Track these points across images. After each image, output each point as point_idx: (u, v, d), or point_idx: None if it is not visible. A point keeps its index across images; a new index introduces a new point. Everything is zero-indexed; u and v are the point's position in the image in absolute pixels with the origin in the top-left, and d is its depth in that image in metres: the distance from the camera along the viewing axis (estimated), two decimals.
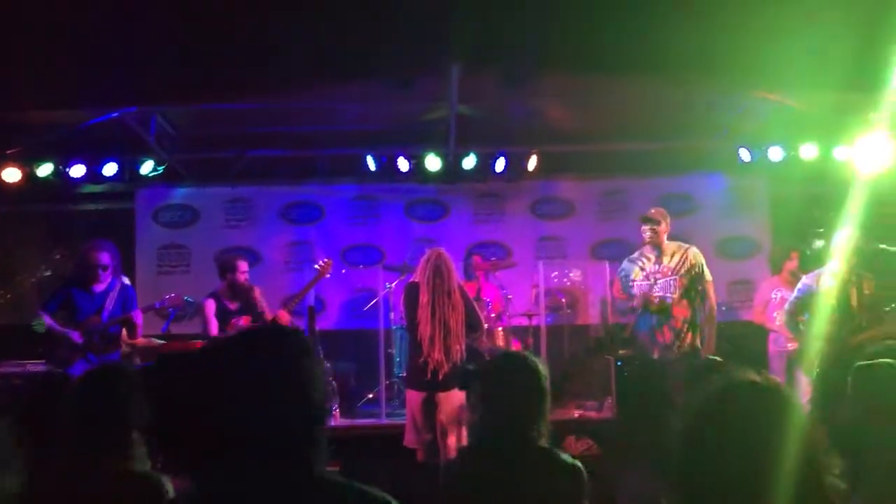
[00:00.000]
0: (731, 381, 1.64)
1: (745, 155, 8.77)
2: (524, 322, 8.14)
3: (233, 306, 6.56)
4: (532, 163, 8.88)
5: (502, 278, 8.31)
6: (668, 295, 6.16)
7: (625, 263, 6.63)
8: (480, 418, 2.82)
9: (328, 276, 7.03)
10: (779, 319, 7.14)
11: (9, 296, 9.26)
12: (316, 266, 6.95)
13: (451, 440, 5.29)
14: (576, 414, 7.38)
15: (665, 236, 6.32)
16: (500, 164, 8.87)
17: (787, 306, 6.31)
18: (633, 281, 6.40)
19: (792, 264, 7.31)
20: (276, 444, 1.48)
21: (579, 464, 2.72)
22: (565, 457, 2.72)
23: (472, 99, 7.72)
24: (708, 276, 6.20)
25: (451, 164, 8.86)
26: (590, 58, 6.37)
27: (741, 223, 9.41)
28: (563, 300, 8.29)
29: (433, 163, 8.71)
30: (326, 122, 8.66)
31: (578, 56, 6.43)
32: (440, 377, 5.27)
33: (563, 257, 9.32)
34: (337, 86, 7.32)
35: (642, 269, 6.36)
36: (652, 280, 6.27)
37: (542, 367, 2.85)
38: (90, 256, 6.02)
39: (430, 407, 5.40)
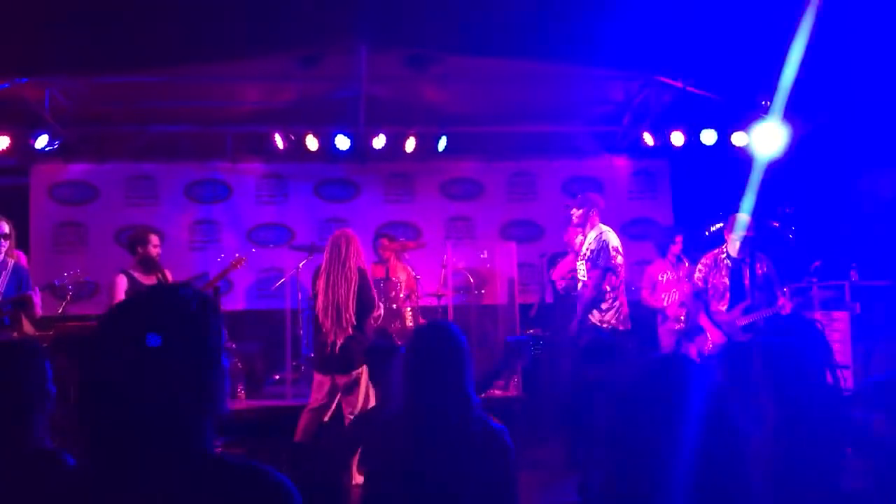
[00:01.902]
0: (652, 358, 1.83)
1: (648, 139, 8.99)
2: (433, 302, 8.18)
3: (146, 281, 6.34)
4: (442, 144, 8.91)
5: (412, 259, 8.32)
6: (582, 279, 6.31)
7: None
8: (407, 388, 2.81)
9: (238, 269, 7.05)
10: (668, 300, 7.43)
11: None
12: (232, 260, 7.00)
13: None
14: (482, 393, 7.45)
15: (591, 220, 6.39)
16: (409, 145, 8.85)
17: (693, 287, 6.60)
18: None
19: (676, 248, 7.59)
20: (157, 420, 1.43)
21: (505, 428, 2.75)
22: (494, 423, 2.75)
23: (380, 78, 7.68)
24: (603, 262, 6.14)
25: (362, 144, 8.80)
26: (491, 40, 6.42)
27: (644, 206, 9.67)
28: (472, 280, 8.36)
29: (343, 142, 8.63)
30: (233, 98, 8.49)
31: (477, 39, 6.48)
32: (337, 351, 5.35)
33: (472, 238, 9.41)
34: (243, 61, 7.17)
35: (577, 251, 6.52)
36: (578, 261, 6.44)
37: (460, 334, 2.88)
38: None
39: (332, 390, 5.49)
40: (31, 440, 2.39)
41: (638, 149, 9.26)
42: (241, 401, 7.20)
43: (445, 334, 2.85)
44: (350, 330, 5.39)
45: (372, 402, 5.38)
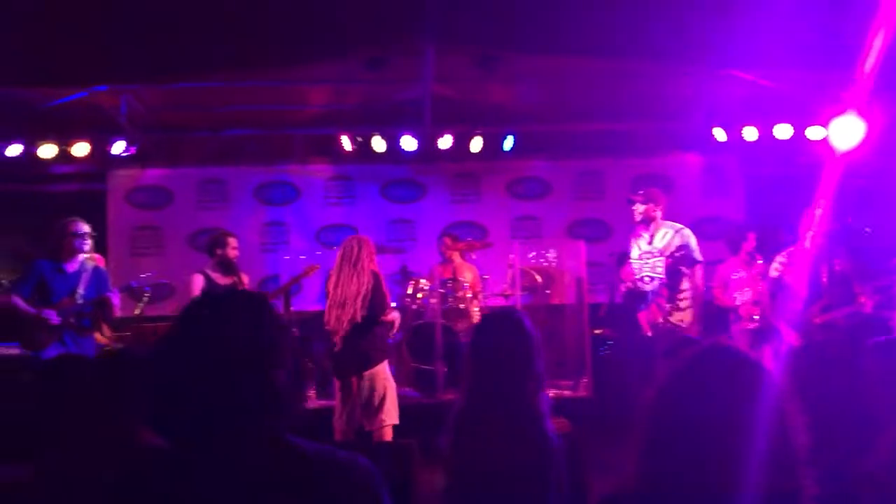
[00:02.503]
0: (704, 348, 1.68)
1: (719, 135, 8.79)
2: (501, 302, 8.14)
3: (223, 282, 6.45)
4: (508, 143, 8.87)
5: (479, 259, 8.30)
6: (656, 276, 6.17)
7: (631, 240, 6.66)
8: (468, 377, 2.79)
9: (311, 277, 7.13)
10: (740, 299, 7.24)
11: None
12: (304, 266, 7.08)
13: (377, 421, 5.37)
14: (550, 393, 7.37)
15: (657, 216, 6.29)
16: (476, 145, 8.84)
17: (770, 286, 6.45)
18: (630, 259, 6.42)
19: (749, 245, 7.37)
20: (240, 408, 1.45)
21: (557, 439, 2.70)
22: (550, 424, 2.70)
23: (447, 79, 7.68)
24: (697, 256, 6.17)
25: (428, 144, 8.81)
26: (561, 38, 6.35)
27: (715, 204, 9.46)
28: (539, 280, 8.29)
29: (409, 143, 8.67)
30: (300, 102, 8.60)
31: (548, 37, 6.41)
32: (340, 350, 5.33)
33: (538, 237, 9.34)
34: (310, 64, 7.25)
35: (639, 247, 6.38)
36: (644, 260, 6.30)
37: (530, 324, 2.81)
38: (69, 227, 5.89)
39: (347, 390, 5.47)
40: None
41: (709, 145, 9.07)
42: (312, 400, 7.27)
43: (511, 324, 2.80)
44: (351, 328, 5.32)
45: (388, 408, 5.36)
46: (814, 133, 8.41)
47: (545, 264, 8.83)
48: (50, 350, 5.72)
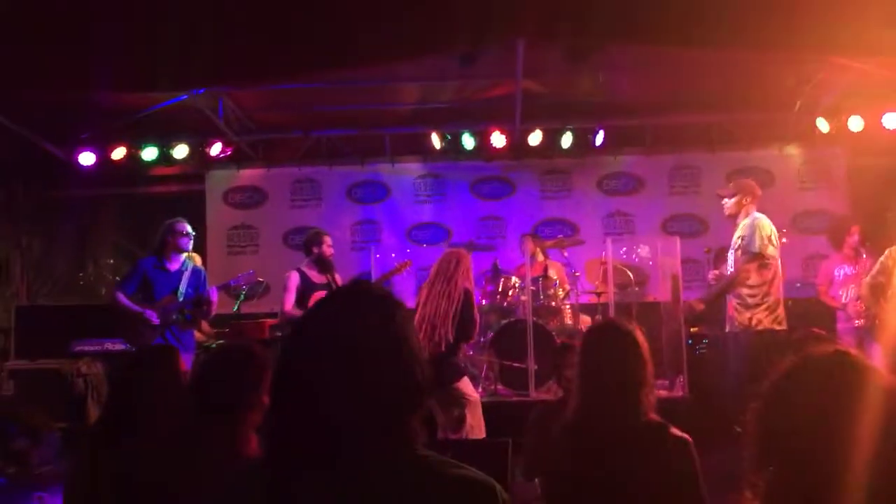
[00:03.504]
0: (816, 349, 1.60)
1: (822, 126, 8.43)
2: (593, 300, 8.02)
3: (318, 280, 6.56)
4: (599, 138, 8.73)
5: (570, 256, 8.20)
6: (733, 269, 5.92)
7: None
8: (579, 392, 2.74)
9: (403, 274, 7.11)
10: (846, 296, 6.91)
11: (91, 278, 9.57)
12: (396, 263, 7.08)
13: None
14: None
15: (744, 209, 5.94)
16: (566, 140, 8.73)
17: (868, 279, 6.10)
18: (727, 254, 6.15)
19: (853, 239, 7.03)
20: (370, 418, 1.37)
21: (688, 437, 2.61)
22: (674, 430, 2.61)
23: (537, 74, 7.61)
24: (755, 247, 5.63)
25: (517, 141, 8.75)
26: (658, 28, 6.18)
27: (818, 197, 9.08)
28: (632, 277, 8.13)
29: (498, 140, 8.63)
30: (391, 101, 8.66)
31: (646, 26, 6.25)
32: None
33: (631, 233, 9.16)
34: (401, 63, 7.28)
35: (733, 243, 6.07)
36: (729, 254, 6.03)
37: (639, 335, 2.73)
38: (175, 227, 6.09)
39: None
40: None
41: (811, 136, 8.72)
42: None
43: (620, 335, 2.73)
44: (443, 347, 5.12)
45: (470, 424, 5.19)
46: None
47: (638, 261, 8.65)
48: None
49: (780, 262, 5.79)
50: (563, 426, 2.72)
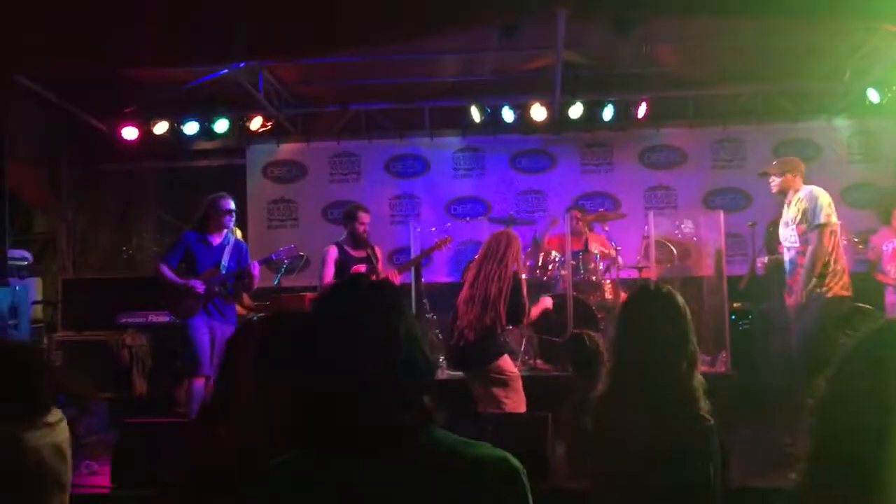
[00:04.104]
0: (886, 323, 1.55)
1: (873, 96, 8.21)
2: (634, 274, 7.94)
3: (356, 254, 6.60)
4: (641, 110, 8.60)
5: (611, 230, 8.11)
6: (792, 245, 5.81)
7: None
8: (618, 356, 2.71)
9: (443, 250, 7.08)
10: (895, 270, 6.76)
11: (134, 251, 9.71)
12: (436, 239, 7.05)
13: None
14: None
15: (793, 184, 5.84)
16: (607, 113, 8.61)
17: None
18: (780, 229, 6.04)
19: None
20: (371, 402, 1.42)
21: (711, 421, 2.57)
22: (703, 411, 2.57)
23: (578, 45, 7.49)
24: (820, 218, 5.59)
25: (557, 114, 8.65)
26: None
27: (867, 170, 8.85)
28: (675, 252, 8.02)
29: (539, 112, 8.54)
30: (430, 74, 8.61)
31: None
32: (471, 344, 5.09)
33: (673, 207, 9.03)
34: (440, 35, 7.22)
35: (784, 217, 5.97)
36: (785, 228, 5.92)
37: (680, 298, 2.70)
38: (219, 203, 6.16)
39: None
40: None
41: (860, 107, 8.49)
42: (442, 371, 7.32)
43: (663, 300, 2.68)
44: (495, 328, 5.09)
45: (510, 403, 5.14)
46: None
47: (680, 236, 8.54)
48: (196, 318, 6.00)
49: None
50: (600, 393, 2.70)
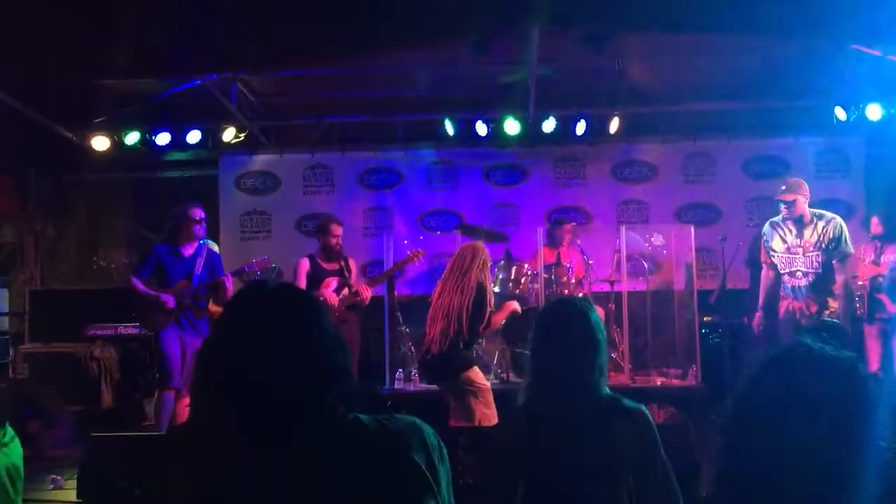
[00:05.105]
0: (788, 346, 1.44)
1: (840, 114, 8.35)
2: (606, 288, 7.99)
3: (328, 267, 6.58)
4: (614, 125, 8.68)
5: (583, 244, 8.16)
6: (811, 270, 5.84)
7: (766, 227, 6.19)
8: (531, 371, 2.73)
9: (415, 263, 7.09)
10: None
11: (104, 262, 9.61)
12: (408, 252, 7.04)
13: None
14: (658, 382, 7.23)
15: (806, 206, 5.93)
16: (580, 127, 8.68)
17: (889, 272, 6.06)
18: (774, 252, 6.04)
19: (875, 230, 7.01)
20: (292, 397, 1.45)
21: (643, 407, 2.58)
22: (627, 401, 2.58)
23: (551, 60, 7.55)
24: (849, 249, 5.78)
25: (531, 128, 8.71)
26: (674, 15, 6.13)
27: (834, 186, 8.98)
28: (646, 266, 8.09)
29: (512, 126, 8.59)
30: (404, 87, 8.62)
31: (662, 13, 6.20)
32: (436, 357, 5.14)
33: (645, 222, 9.11)
34: (414, 49, 7.25)
35: (783, 240, 5.98)
36: (793, 253, 5.93)
37: (595, 314, 2.71)
38: (188, 213, 6.10)
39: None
40: None
41: (828, 125, 8.64)
42: (415, 384, 7.31)
43: (571, 312, 2.70)
44: (457, 340, 5.10)
45: (482, 412, 5.14)
46: None
47: (652, 250, 8.61)
48: (167, 331, 5.94)
49: None
50: (521, 406, 2.71)
